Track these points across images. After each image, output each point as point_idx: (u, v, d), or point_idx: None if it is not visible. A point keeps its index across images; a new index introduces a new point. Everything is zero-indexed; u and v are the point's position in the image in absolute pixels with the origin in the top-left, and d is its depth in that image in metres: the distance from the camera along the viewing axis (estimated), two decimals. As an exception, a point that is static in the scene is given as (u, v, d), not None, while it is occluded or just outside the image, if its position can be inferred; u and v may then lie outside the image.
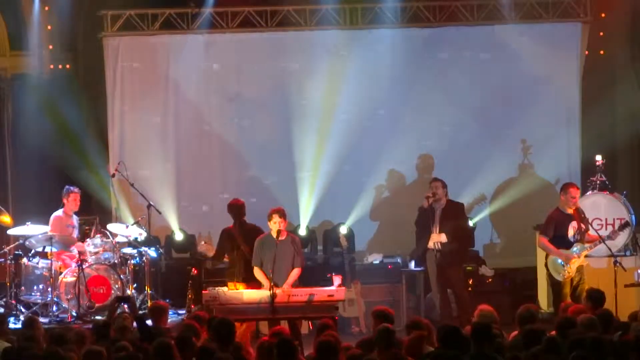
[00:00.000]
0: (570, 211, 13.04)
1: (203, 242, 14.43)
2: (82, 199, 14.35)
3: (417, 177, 16.15)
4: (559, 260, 12.96)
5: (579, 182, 14.64)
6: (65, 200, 14.19)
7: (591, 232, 13.13)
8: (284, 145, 16.13)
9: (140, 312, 13.04)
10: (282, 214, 12.54)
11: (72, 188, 14.27)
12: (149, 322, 10.37)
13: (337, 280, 12.60)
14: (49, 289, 13.72)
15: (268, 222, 12.56)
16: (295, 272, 12.55)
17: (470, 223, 14.80)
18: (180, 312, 13.79)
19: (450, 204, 13.65)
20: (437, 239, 13.47)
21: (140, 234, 14.29)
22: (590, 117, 15.88)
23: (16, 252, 14.01)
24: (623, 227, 13.49)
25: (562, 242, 13.02)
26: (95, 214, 15.09)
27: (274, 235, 12.54)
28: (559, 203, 13.19)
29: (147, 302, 13.72)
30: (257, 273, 12.54)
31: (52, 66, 15.99)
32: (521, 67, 16.00)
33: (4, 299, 13.88)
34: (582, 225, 13.03)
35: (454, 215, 13.59)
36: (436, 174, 15.36)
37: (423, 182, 15.59)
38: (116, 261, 13.97)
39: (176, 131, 16.25)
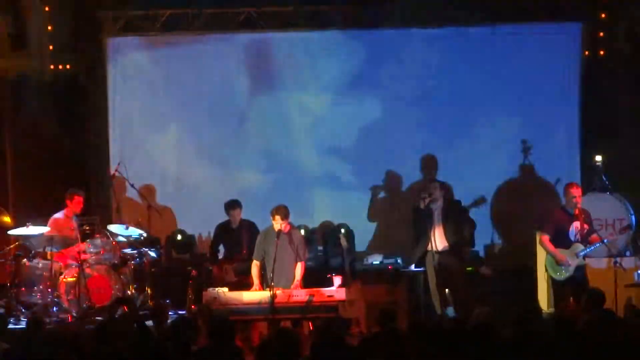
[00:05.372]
0: (574, 211, 13.06)
1: None
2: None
3: (419, 178, 16.14)
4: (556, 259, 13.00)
5: (578, 183, 14.63)
6: (68, 202, 14.20)
7: (596, 235, 13.14)
8: (285, 145, 16.15)
9: (141, 312, 13.06)
10: (283, 214, 12.64)
11: (76, 190, 14.28)
12: (149, 322, 10.38)
13: (337, 280, 12.65)
14: (49, 290, 13.72)
15: (272, 220, 12.69)
16: (300, 268, 12.65)
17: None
18: (180, 312, 13.79)
19: (448, 204, 13.65)
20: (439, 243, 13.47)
21: (140, 234, 14.30)
22: (590, 117, 15.88)
23: (16, 253, 14.02)
24: (624, 230, 13.51)
25: (562, 241, 13.04)
26: (95, 215, 15.08)
27: (275, 233, 12.64)
28: (563, 203, 13.23)
29: (147, 303, 13.72)
30: (253, 269, 12.64)
31: (52, 66, 15.97)
32: (521, 67, 15.99)
33: (5, 300, 13.88)
34: (585, 227, 13.04)
35: (454, 215, 13.59)
36: (437, 174, 15.41)
37: (425, 183, 15.60)
38: (116, 262, 13.99)
39: (177, 131, 16.26)
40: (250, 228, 13.99)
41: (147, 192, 15.65)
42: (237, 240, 13.91)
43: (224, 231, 14.24)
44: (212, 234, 15.16)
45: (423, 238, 13.56)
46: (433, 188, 13.61)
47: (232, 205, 14.23)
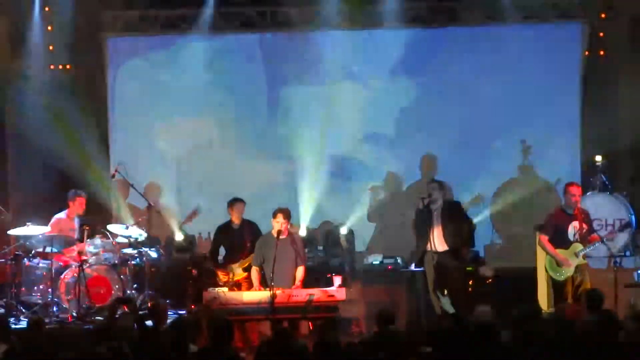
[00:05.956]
0: (573, 211, 13.05)
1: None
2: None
3: (419, 178, 16.16)
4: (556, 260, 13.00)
5: (578, 183, 14.63)
6: (70, 203, 14.21)
7: (595, 234, 13.13)
8: (285, 145, 16.16)
9: (140, 312, 13.06)
10: (286, 214, 12.71)
11: (79, 192, 14.29)
12: (149, 322, 10.39)
13: (337, 280, 12.65)
14: (49, 290, 13.73)
15: (272, 220, 12.69)
16: (300, 271, 12.66)
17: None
18: (180, 312, 13.79)
19: (446, 204, 13.65)
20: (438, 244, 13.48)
21: (140, 234, 14.31)
22: (591, 117, 15.88)
23: (16, 253, 14.02)
24: (623, 227, 13.51)
25: (561, 241, 13.04)
26: (95, 215, 15.08)
27: (275, 234, 12.64)
28: (563, 203, 13.22)
29: (147, 303, 13.72)
30: (253, 273, 12.66)
31: (52, 66, 15.98)
32: (521, 67, 16.00)
33: (5, 300, 13.89)
34: (584, 226, 13.03)
35: (453, 215, 13.58)
36: (437, 174, 15.41)
37: (425, 183, 15.61)
38: (116, 262, 14.00)
39: (177, 131, 16.26)
40: (252, 227, 13.95)
41: (152, 190, 15.69)
42: (240, 239, 13.80)
43: (225, 232, 14.14)
44: (211, 235, 15.16)
45: (422, 238, 13.55)
46: (432, 188, 13.60)
47: (236, 200, 14.11)
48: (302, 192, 15.86)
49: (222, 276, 13.71)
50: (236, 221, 14.00)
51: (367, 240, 16.02)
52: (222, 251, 14.18)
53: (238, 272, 13.56)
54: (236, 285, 13.31)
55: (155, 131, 16.25)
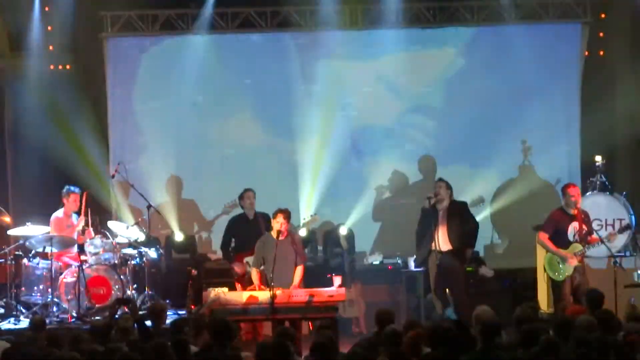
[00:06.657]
0: (573, 212, 13.05)
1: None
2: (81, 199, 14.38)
3: (419, 178, 16.16)
4: (556, 259, 12.99)
5: (579, 183, 14.66)
6: (65, 201, 14.23)
7: (595, 235, 13.13)
8: (285, 146, 16.16)
9: (140, 312, 13.06)
10: (287, 215, 12.70)
11: (72, 188, 14.30)
12: (148, 322, 10.40)
13: (337, 280, 12.66)
14: (49, 290, 13.73)
15: (272, 220, 12.69)
16: (299, 271, 12.65)
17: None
18: (180, 312, 13.80)
19: (453, 204, 13.62)
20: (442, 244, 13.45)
21: (140, 234, 14.31)
22: (590, 117, 15.89)
23: (16, 253, 14.03)
24: (623, 229, 13.50)
25: (561, 241, 13.04)
26: (95, 215, 15.08)
27: (274, 235, 12.63)
28: (563, 203, 13.23)
29: (147, 303, 13.72)
30: (254, 274, 12.65)
31: (52, 66, 15.98)
32: (521, 67, 16.00)
33: (4, 300, 13.90)
34: (584, 227, 13.03)
35: (459, 215, 13.55)
36: (437, 174, 15.41)
37: (424, 183, 15.62)
38: (116, 262, 14.00)
39: (177, 131, 16.26)
40: (266, 219, 13.85)
41: (173, 184, 15.75)
42: (256, 231, 13.65)
43: (239, 223, 14.05)
44: (211, 235, 15.16)
45: (427, 238, 13.53)
46: (439, 187, 13.57)
47: (246, 190, 14.08)
48: (302, 193, 15.87)
49: (238, 270, 13.63)
50: (250, 212, 13.95)
51: (368, 241, 15.99)
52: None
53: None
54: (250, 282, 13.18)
55: (156, 130, 16.24)
